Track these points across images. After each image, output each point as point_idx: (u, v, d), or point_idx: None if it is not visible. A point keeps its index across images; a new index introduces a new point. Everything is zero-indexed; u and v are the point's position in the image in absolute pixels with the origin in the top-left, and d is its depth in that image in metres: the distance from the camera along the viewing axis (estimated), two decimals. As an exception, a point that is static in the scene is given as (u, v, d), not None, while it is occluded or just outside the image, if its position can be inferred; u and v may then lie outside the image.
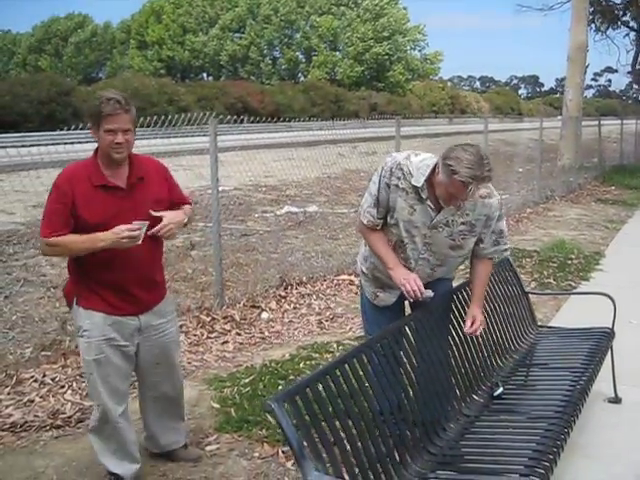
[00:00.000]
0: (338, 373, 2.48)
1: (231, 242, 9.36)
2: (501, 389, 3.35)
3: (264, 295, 6.72)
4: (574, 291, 4.55)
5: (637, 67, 24.66)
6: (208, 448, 3.85)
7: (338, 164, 15.06)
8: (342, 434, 2.38)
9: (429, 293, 3.23)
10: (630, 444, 3.80)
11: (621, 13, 23.98)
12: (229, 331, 5.79)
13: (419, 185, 3.16)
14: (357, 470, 2.34)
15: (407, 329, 3.13)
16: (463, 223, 3.25)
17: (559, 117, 26.28)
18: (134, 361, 3.37)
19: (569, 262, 8.61)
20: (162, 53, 63.95)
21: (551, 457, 2.67)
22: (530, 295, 4.57)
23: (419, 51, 67.80)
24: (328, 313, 6.48)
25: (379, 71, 61.03)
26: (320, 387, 2.35)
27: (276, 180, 14.68)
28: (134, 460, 3.42)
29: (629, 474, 3.54)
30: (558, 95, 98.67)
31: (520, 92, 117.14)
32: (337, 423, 2.38)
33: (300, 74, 64.58)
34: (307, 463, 2.08)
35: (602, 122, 18.93)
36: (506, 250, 3.52)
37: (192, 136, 10.51)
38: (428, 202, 3.20)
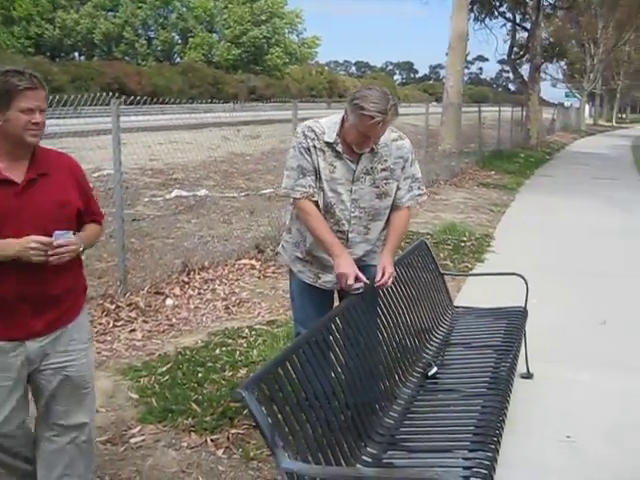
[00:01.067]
0: (295, 359, 2.43)
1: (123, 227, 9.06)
2: (435, 369, 3.40)
3: (167, 281, 6.54)
4: (485, 272, 4.66)
5: (512, 56, 25.74)
6: (133, 440, 3.71)
7: (223, 147, 14.89)
8: (304, 419, 2.33)
9: (361, 284, 3.22)
10: (546, 417, 3.97)
11: (498, 4, 24.91)
12: (135, 319, 5.60)
13: (332, 140, 3.23)
14: (320, 456, 2.30)
15: (338, 318, 3.09)
16: (384, 169, 3.32)
17: (434, 103, 27.05)
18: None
19: (462, 244, 8.90)
20: (30, 30, 60.72)
21: (497, 432, 2.74)
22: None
23: (297, 35, 67.95)
24: (234, 298, 6.39)
25: (257, 54, 60.65)
26: (281, 373, 2.29)
27: (162, 164, 14.31)
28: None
29: (549, 446, 3.69)
30: (432, 82, 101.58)
31: (395, 78, 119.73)
32: (297, 409, 2.33)
33: (176, 55, 63.22)
34: (279, 451, 2.03)
35: (481, 109, 19.59)
36: (421, 195, 3.52)
37: (68, 117, 10.07)
38: (345, 155, 3.25)
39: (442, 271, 4.61)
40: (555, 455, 3.66)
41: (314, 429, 2.35)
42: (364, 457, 2.58)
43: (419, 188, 3.50)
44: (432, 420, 2.94)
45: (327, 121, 3.30)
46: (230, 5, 59.39)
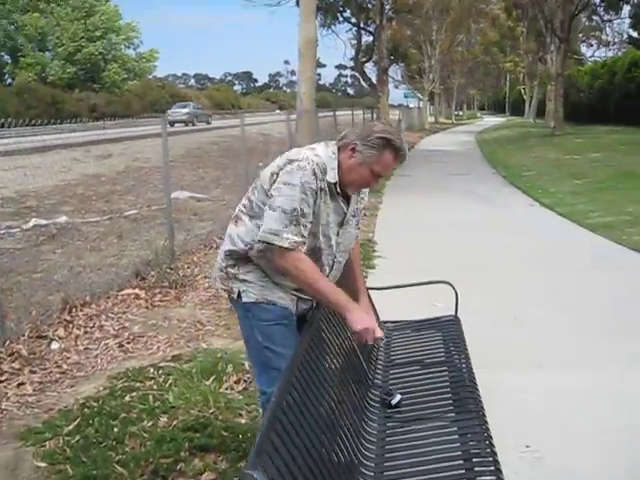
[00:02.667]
0: (283, 417, 2.02)
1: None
2: (398, 397, 3.07)
3: (48, 322, 5.86)
4: (412, 283, 4.39)
5: (360, 60, 26.08)
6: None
7: (75, 170, 14.00)
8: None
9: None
10: (501, 429, 3.75)
11: (342, 9, 25.18)
12: (20, 370, 4.92)
13: (335, 181, 2.80)
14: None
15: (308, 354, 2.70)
16: (362, 208, 3.06)
17: (277, 111, 27.00)
18: None
19: (349, 250, 8.67)
20: None
21: (494, 458, 2.47)
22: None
23: (134, 49, 66.02)
24: (126, 334, 5.81)
25: (94, 71, 58.28)
26: (275, 436, 1.88)
27: (11, 191, 13.24)
28: None
29: (512, 460, 3.48)
30: (273, 90, 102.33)
31: (235, 88, 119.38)
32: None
33: (7, 76, 59.75)
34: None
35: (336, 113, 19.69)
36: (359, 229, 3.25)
37: None
38: (340, 197, 2.87)
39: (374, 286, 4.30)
40: (520, 469, 3.46)
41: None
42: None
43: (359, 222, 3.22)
44: (415, 458, 2.61)
45: (325, 155, 2.80)
46: (62, 22, 56.75)
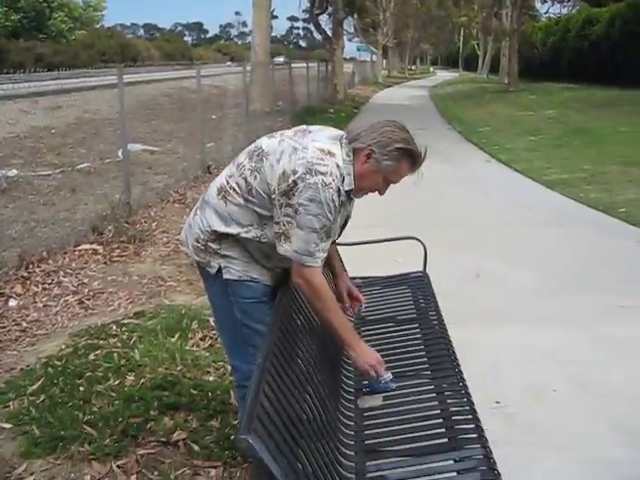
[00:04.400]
0: (270, 378, 1.97)
1: None
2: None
3: (4, 279, 5.69)
4: (380, 238, 4.37)
5: (315, 12, 25.68)
6: (21, 483, 3.07)
7: (23, 121, 13.56)
8: (300, 451, 1.90)
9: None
10: (470, 385, 3.77)
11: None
12: (-23, 329, 4.79)
13: (351, 188, 2.60)
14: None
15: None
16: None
17: (228, 63, 26.52)
18: None
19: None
20: None
21: (477, 419, 2.47)
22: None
23: (81, -3, 63.92)
24: (86, 290, 5.68)
25: (39, 20, 56.32)
26: (264, 398, 1.83)
27: (-44, 144, 12.79)
28: None
29: (482, 417, 3.49)
30: (224, 41, 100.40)
31: (185, 39, 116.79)
32: (291, 440, 1.88)
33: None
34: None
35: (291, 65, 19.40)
36: None
37: None
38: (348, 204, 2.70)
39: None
40: (491, 425, 3.47)
41: (309, 460, 1.92)
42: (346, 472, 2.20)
43: None
44: (394, 416, 2.59)
45: (341, 161, 2.56)
46: (4, -33, 54.57)
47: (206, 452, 3.24)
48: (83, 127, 16.25)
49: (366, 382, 2.82)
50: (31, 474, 3.12)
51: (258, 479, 2.69)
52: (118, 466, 3.16)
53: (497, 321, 4.83)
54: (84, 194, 9.34)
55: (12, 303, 5.30)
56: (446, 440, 2.41)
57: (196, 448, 3.29)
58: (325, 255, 2.58)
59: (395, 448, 2.39)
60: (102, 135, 14.38)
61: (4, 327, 4.85)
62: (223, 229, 2.66)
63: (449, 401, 2.68)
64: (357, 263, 4.43)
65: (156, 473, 3.11)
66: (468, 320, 4.69)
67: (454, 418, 2.55)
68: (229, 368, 4.01)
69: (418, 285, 4.04)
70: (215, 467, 3.13)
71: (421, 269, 4.28)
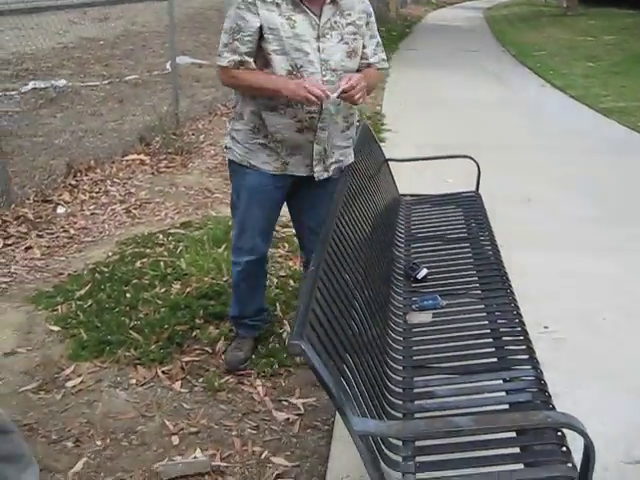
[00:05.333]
0: (322, 285, 1.92)
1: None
2: (425, 270, 2.99)
3: (53, 187, 5.72)
4: (433, 156, 4.25)
5: None
6: (70, 384, 3.11)
7: (72, 32, 13.47)
8: (351, 362, 1.86)
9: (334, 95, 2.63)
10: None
11: None
12: (27, 234, 4.82)
13: None
14: (369, 405, 1.85)
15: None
16: (349, 24, 2.80)
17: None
18: None
19: (357, 124, 8.44)
20: None
21: (526, 337, 2.42)
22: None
23: None
24: (133, 199, 5.69)
25: None
26: (316, 305, 1.78)
27: (7, 53, 12.76)
28: None
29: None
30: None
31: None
32: (343, 351, 1.84)
33: None
34: (349, 411, 1.57)
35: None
36: (385, 60, 3.04)
37: None
38: (306, 5, 2.69)
39: (386, 157, 4.15)
40: (538, 349, 3.41)
41: (358, 371, 1.89)
42: (396, 390, 2.17)
43: (382, 52, 3.02)
44: (443, 334, 2.54)
45: None
46: None
47: (250, 361, 3.24)
48: (131, 39, 16.10)
49: (416, 299, 2.77)
50: (79, 376, 3.17)
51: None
52: (163, 372, 3.19)
53: (548, 247, 4.71)
54: (132, 105, 9.30)
55: (60, 210, 5.33)
56: (495, 360, 2.36)
57: (240, 357, 3.29)
58: (235, 58, 2.71)
59: (443, 365, 2.35)
60: (150, 47, 14.26)
61: (52, 233, 4.89)
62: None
63: (499, 321, 2.62)
64: (407, 181, 4.35)
65: (200, 380, 3.13)
66: (518, 244, 4.57)
67: (504, 338, 2.49)
68: (275, 280, 4.01)
69: (470, 205, 3.94)
70: (259, 376, 3.14)
71: (473, 189, 4.17)
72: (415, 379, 2.25)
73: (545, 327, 3.62)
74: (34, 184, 5.66)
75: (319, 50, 2.71)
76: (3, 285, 4.03)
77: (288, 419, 2.85)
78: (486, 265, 3.13)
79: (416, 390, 2.19)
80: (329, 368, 1.62)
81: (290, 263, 4.25)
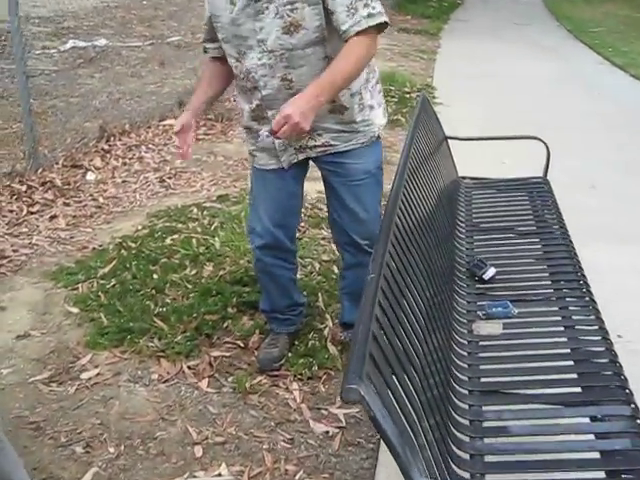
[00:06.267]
0: (382, 295, 1.53)
1: (13, 85, 7.64)
2: (492, 270, 2.59)
3: (84, 151, 5.40)
4: (502, 135, 3.84)
5: None
6: (85, 376, 2.80)
7: (115, -10, 13.18)
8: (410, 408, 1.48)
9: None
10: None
11: None
12: (53, 201, 4.53)
13: None
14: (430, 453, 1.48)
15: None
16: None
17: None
18: None
19: (407, 96, 8.01)
20: None
21: (615, 357, 2.03)
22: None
23: None
24: (168, 168, 5.35)
25: None
26: (376, 327, 1.41)
27: (48, 10, 12.47)
28: None
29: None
30: None
31: None
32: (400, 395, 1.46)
33: None
34: (415, 472, 1.21)
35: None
36: (373, 16, 2.24)
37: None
38: None
39: (446, 135, 3.73)
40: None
41: (420, 401, 1.52)
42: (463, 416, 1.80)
43: (367, 6, 2.24)
44: (517, 350, 2.16)
45: None
46: None
47: (286, 360, 2.89)
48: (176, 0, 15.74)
49: (483, 304, 2.39)
50: (95, 367, 2.85)
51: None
52: (189, 367, 2.86)
53: (619, 241, 4.26)
54: (173, 68, 8.97)
55: (90, 177, 5.02)
56: (579, 390, 1.97)
57: (276, 355, 2.94)
58: (207, 46, 2.59)
59: (518, 392, 1.96)
60: (194, 9, 13.87)
61: (80, 201, 4.59)
62: None
63: (581, 337, 2.22)
64: (459, 161, 3.93)
65: (230, 379, 2.79)
66: (585, 237, 4.13)
67: (589, 361, 2.09)
68: (317, 266, 3.65)
69: (539, 193, 3.52)
70: (296, 378, 2.79)
71: (539, 174, 3.75)
72: (484, 408, 1.87)
73: (619, 336, 3.20)
74: (65, 147, 5.35)
75: (257, 30, 2.31)
76: (23, 257, 3.74)
77: (327, 432, 2.50)
78: (561, 266, 2.71)
79: (486, 424, 1.81)
80: (393, 416, 1.26)
81: (334, 246, 3.87)
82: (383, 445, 2.37)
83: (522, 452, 1.71)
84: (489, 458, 1.70)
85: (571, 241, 2.92)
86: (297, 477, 2.29)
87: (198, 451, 2.40)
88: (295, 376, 2.79)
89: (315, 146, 2.51)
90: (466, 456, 1.70)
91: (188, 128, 2.53)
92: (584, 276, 2.62)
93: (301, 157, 2.55)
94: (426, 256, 2.22)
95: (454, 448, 1.69)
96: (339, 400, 2.66)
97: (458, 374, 1.99)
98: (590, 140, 6.68)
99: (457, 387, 1.94)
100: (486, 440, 1.76)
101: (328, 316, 3.18)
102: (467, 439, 1.76)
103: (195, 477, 2.27)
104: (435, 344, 1.93)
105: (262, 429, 2.52)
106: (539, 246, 2.94)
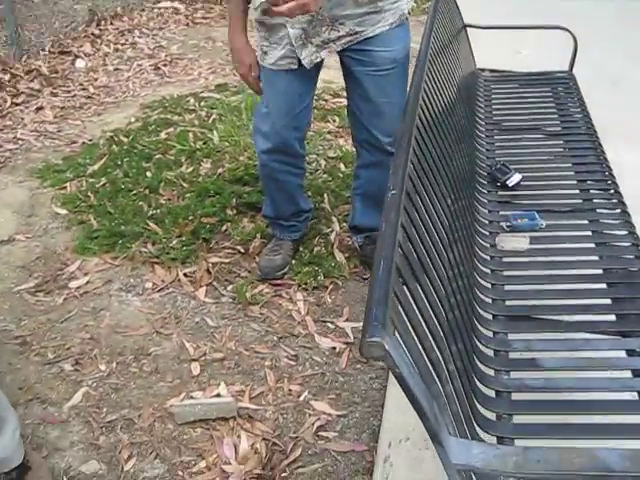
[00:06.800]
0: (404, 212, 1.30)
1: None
2: (518, 176, 2.35)
3: (72, 36, 5.05)
4: (528, 25, 3.49)
5: None
6: (74, 284, 2.60)
7: None
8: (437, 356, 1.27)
9: None
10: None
11: None
12: (40, 91, 4.24)
13: None
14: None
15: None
16: None
17: None
18: None
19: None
20: None
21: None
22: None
23: None
24: (163, 55, 5.02)
25: None
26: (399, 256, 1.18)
27: None
28: None
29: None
30: None
31: None
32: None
33: None
34: (445, 435, 1.02)
35: None
36: None
37: None
38: None
39: (465, 22, 3.39)
40: None
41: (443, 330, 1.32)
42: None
43: None
44: (545, 269, 1.94)
45: None
46: None
47: (289, 268, 2.69)
48: None
49: (506, 214, 2.16)
50: (85, 274, 2.65)
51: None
52: (185, 274, 2.66)
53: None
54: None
55: (80, 64, 4.70)
56: (614, 319, 1.76)
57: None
58: None
59: (548, 318, 1.76)
60: None
61: (69, 91, 4.30)
62: None
63: (613, 255, 1.99)
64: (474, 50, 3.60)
65: (229, 288, 2.60)
66: (611, 138, 3.87)
67: (624, 284, 1.88)
68: (323, 163, 3.42)
69: (564, 89, 3.21)
70: (300, 288, 2.60)
71: (564, 68, 3.42)
72: (510, 336, 1.68)
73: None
74: (52, 32, 5.00)
75: None
76: (7, 154, 3.49)
77: (334, 349, 2.32)
78: (591, 173, 2.45)
79: (513, 355, 1.62)
80: (419, 365, 1.06)
81: (341, 141, 3.61)
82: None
83: (552, 390, 1.52)
84: (517, 396, 1.51)
85: (600, 144, 2.65)
86: (302, 398, 2.13)
87: (195, 368, 2.24)
88: (299, 286, 2.60)
89: (339, 37, 2.20)
90: (491, 393, 1.51)
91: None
92: (616, 185, 2.37)
93: (324, 54, 2.25)
94: (447, 157, 1.96)
95: (478, 384, 1.50)
96: (346, 312, 2.48)
97: (481, 295, 1.79)
98: (613, 30, 6.25)
99: (480, 311, 1.73)
100: (513, 374, 1.57)
101: (335, 219, 2.95)
102: (492, 372, 1.57)
103: (192, 398, 2.11)
104: (457, 257, 1.71)
105: (264, 344, 2.35)
106: (566, 149, 2.67)
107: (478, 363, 1.57)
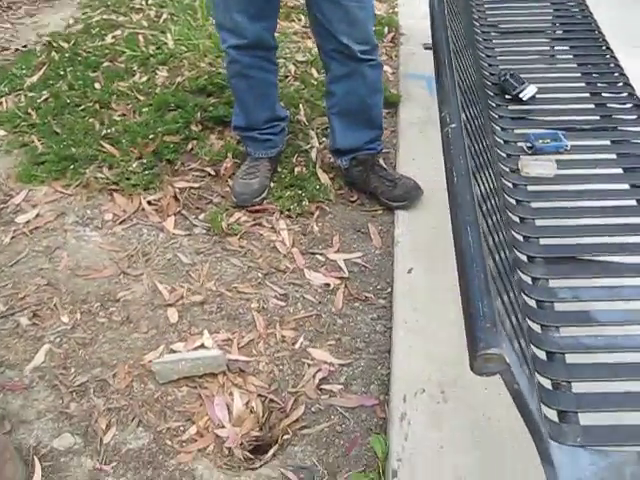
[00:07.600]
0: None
1: None
2: (532, 88, 2.07)
3: None
4: None
5: None
6: (22, 219, 2.27)
7: None
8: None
9: None
10: None
11: None
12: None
13: None
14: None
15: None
16: None
17: None
18: None
19: None
20: None
21: None
22: None
23: None
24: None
25: None
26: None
27: None
28: None
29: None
30: None
31: None
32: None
33: None
34: (552, 447, 0.79)
35: None
36: None
37: None
38: None
39: None
40: None
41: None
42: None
43: None
44: (578, 199, 1.70)
45: None
46: None
47: (269, 192, 2.40)
48: None
49: (526, 132, 1.90)
50: (33, 206, 2.32)
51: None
52: (149, 202, 2.36)
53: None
54: None
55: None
56: None
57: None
58: None
59: (592, 259, 1.53)
60: None
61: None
62: None
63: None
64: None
65: (201, 217, 2.31)
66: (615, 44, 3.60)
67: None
68: (292, 69, 3.08)
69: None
70: (283, 215, 2.32)
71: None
72: (552, 283, 1.45)
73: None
74: None
75: None
76: None
77: (327, 285, 2.08)
78: (607, 83, 2.20)
79: (559, 307, 1.40)
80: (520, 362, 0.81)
81: (309, 43, 3.26)
82: (397, 301, 1.97)
83: (615, 349, 1.31)
84: (571, 358, 1.29)
85: (610, 48, 2.39)
86: (297, 345, 1.89)
87: (172, 315, 1.97)
88: (281, 212, 2.32)
89: None
90: (542, 355, 1.29)
91: None
92: (638, 98, 2.12)
93: None
94: (454, 64, 1.68)
95: (531, 345, 1.28)
96: (336, 242, 2.22)
97: (512, 232, 1.55)
98: None
99: (515, 251, 1.50)
100: (562, 331, 1.35)
101: (313, 133, 2.65)
102: (539, 329, 1.35)
103: (173, 352, 1.85)
104: (487, 187, 1.45)
105: (248, 282, 2.08)
106: (574, 54, 2.39)
107: (525, 319, 1.35)
